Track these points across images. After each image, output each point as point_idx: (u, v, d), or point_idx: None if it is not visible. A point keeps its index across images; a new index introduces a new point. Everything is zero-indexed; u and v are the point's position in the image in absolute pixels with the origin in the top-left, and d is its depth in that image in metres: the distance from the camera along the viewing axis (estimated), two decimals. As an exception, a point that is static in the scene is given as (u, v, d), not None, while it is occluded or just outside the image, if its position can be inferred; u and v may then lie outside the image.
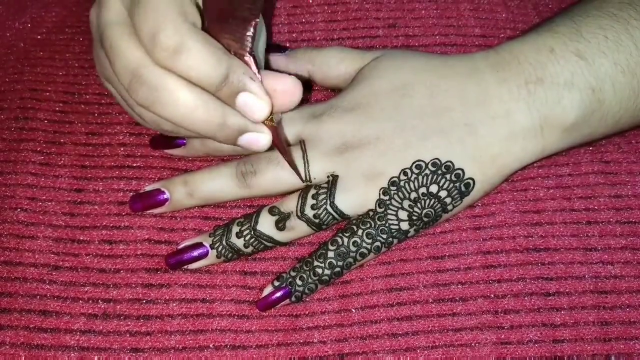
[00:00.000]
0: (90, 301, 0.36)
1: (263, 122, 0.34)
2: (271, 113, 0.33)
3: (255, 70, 0.33)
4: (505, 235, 0.37)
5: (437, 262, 0.37)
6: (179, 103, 0.33)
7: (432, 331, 0.35)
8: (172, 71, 0.32)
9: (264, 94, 0.33)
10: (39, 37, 0.47)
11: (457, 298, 0.36)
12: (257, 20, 0.33)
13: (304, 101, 0.36)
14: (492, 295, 0.36)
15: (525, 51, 0.37)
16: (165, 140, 0.40)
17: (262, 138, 0.34)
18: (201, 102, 0.33)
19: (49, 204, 0.38)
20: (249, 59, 0.33)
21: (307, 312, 0.36)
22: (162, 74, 0.33)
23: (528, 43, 0.38)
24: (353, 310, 0.36)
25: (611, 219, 0.38)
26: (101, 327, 0.35)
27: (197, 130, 0.34)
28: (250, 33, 0.33)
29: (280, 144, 0.35)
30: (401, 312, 0.36)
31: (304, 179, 0.37)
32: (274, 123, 0.34)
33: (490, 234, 0.38)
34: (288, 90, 0.34)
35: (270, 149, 0.35)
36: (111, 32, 0.34)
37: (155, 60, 0.32)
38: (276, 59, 0.41)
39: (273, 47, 0.42)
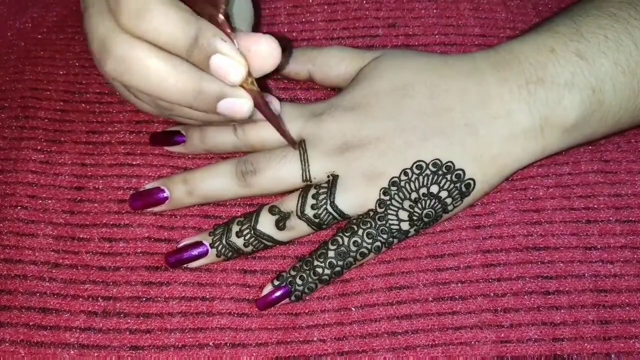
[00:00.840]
0: (90, 299, 0.36)
1: (243, 87, 0.32)
2: (250, 75, 0.32)
3: (228, 32, 0.32)
4: (504, 234, 0.38)
5: (437, 260, 0.37)
6: (149, 72, 0.32)
7: (431, 330, 0.35)
8: (139, 37, 0.31)
9: (238, 55, 0.31)
10: (39, 36, 0.47)
11: (456, 297, 0.36)
12: None
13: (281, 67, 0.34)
14: (492, 294, 0.36)
15: (526, 51, 0.37)
16: (164, 137, 0.40)
17: (242, 103, 0.32)
18: (172, 68, 0.32)
19: (49, 201, 0.38)
20: (222, 20, 0.32)
21: (306, 311, 0.36)
22: (129, 42, 0.31)
23: (528, 43, 0.38)
24: (353, 308, 0.36)
25: (611, 218, 0.38)
26: (101, 325, 0.35)
27: (173, 99, 0.32)
28: None
29: (264, 109, 0.33)
30: (401, 311, 0.36)
31: (294, 145, 0.36)
32: (254, 87, 0.33)
33: (490, 233, 0.38)
34: (263, 50, 0.32)
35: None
36: (87, 13, 0.33)
37: (121, 26, 0.31)
38: None
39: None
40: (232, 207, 0.39)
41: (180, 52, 0.32)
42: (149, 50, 0.32)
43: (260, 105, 0.33)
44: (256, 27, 0.38)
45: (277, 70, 0.33)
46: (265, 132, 0.37)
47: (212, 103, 0.33)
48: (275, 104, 0.36)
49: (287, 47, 0.36)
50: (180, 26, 0.31)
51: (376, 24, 0.44)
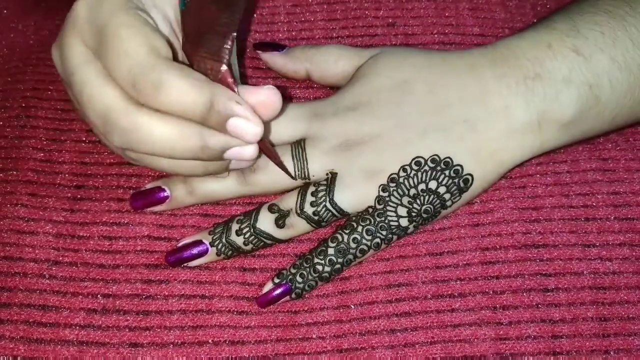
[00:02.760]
0: (90, 296, 0.36)
1: None
2: None
3: (234, 86, 0.33)
4: (503, 232, 0.38)
5: (436, 258, 0.37)
6: (154, 140, 0.32)
7: (430, 327, 0.35)
8: (157, 109, 0.32)
9: (253, 116, 0.32)
10: (41, 38, 0.47)
11: (455, 294, 0.36)
12: (235, 33, 0.32)
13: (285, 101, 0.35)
14: (491, 292, 0.36)
15: (523, 47, 0.37)
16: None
17: (247, 150, 0.33)
18: (178, 131, 0.32)
19: (50, 200, 0.38)
20: (225, 70, 0.32)
21: (306, 308, 0.36)
22: (134, 113, 0.32)
23: (526, 39, 0.38)
24: (352, 306, 0.36)
25: (609, 216, 0.38)
26: (100, 322, 0.35)
27: (179, 157, 0.33)
28: (227, 45, 0.32)
29: (266, 150, 0.34)
30: (400, 308, 0.36)
31: (295, 178, 0.36)
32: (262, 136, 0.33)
33: (488, 231, 0.38)
34: (268, 101, 0.33)
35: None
36: (78, 79, 0.33)
37: (136, 101, 0.32)
38: (274, 58, 0.42)
39: (271, 45, 0.42)
40: (231, 206, 0.39)
41: (196, 117, 0.32)
42: (155, 119, 0.32)
43: (262, 146, 0.34)
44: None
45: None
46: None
47: (218, 155, 0.33)
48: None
49: (285, 93, 0.37)
50: (195, 95, 0.31)
51: (375, 23, 0.45)
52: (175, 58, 0.35)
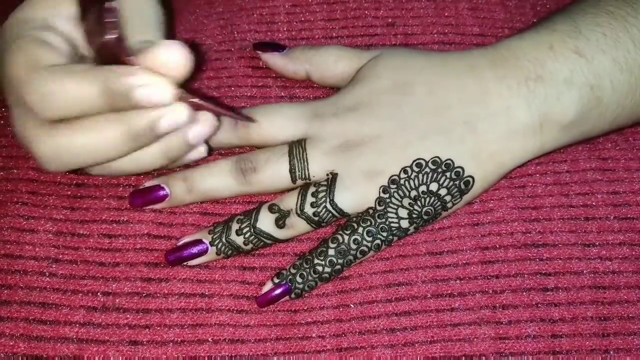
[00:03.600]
0: (90, 294, 0.36)
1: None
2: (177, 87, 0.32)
3: (125, 54, 0.31)
4: (503, 231, 0.38)
5: (436, 257, 0.37)
6: (84, 152, 0.32)
7: (430, 326, 0.35)
8: (57, 119, 0.32)
9: (154, 78, 0.31)
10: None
11: (455, 293, 0.36)
12: (106, 5, 0.31)
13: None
14: (491, 291, 0.36)
15: (524, 48, 0.37)
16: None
17: (177, 114, 0.32)
18: (95, 133, 0.32)
19: (50, 198, 0.38)
20: (112, 41, 0.31)
21: (305, 308, 0.36)
22: (49, 138, 0.32)
23: (527, 40, 0.38)
24: (352, 305, 0.36)
25: (609, 215, 0.38)
26: (100, 320, 0.35)
27: (120, 154, 0.33)
28: (109, 19, 0.31)
29: (207, 107, 0.33)
30: (400, 308, 0.36)
31: (254, 121, 0.36)
32: (184, 92, 0.32)
33: (488, 230, 0.38)
34: (173, 59, 0.31)
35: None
36: (10, 117, 0.35)
37: (40, 118, 0.32)
38: (274, 58, 0.42)
39: (271, 45, 0.42)
40: (231, 205, 0.39)
41: (101, 109, 0.32)
42: (68, 131, 0.32)
43: (195, 104, 0.33)
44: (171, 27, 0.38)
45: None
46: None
47: (153, 135, 0.33)
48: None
49: (195, 46, 0.36)
50: (86, 89, 0.31)
51: (375, 23, 0.45)
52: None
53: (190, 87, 0.38)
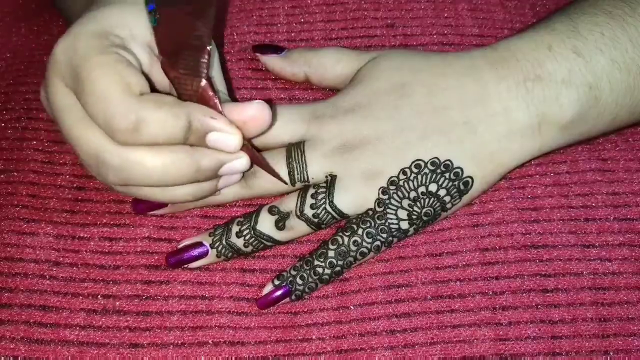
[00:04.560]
0: (90, 297, 0.36)
1: None
2: (245, 140, 0.34)
3: (215, 100, 0.33)
4: (503, 233, 0.38)
5: (436, 259, 0.37)
6: (149, 173, 0.33)
7: (430, 328, 0.35)
8: (138, 144, 0.32)
9: (230, 127, 0.33)
10: (43, 42, 0.48)
11: (455, 295, 0.36)
12: (210, 47, 0.33)
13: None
14: (490, 292, 0.36)
15: (523, 48, 0.37)
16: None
17: (239, 163, 0.34)
18: (170, 160, 0.33)
19: (50, 201, 0.39)
20: (205, 85, 0.33)
21: (305, 310, 0.36)
22: (125, 151, 0.33)
23: (526, 40, 0.38)
24: (351, 307, 0.36)
25: (609, 216, 0.38)
26: (101, 323, 0.35)
27: (177, 183, 0.34)
28: (204, 59, 0.33)
29: (258, 161, 0.35)
30: (399, 309, 0.36)
31: (288, 184, 0.37)
32: (246, 143, 0.34)
33: (488, 231, 0.38)
34: (257, 116, 0.34)
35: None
36: (63, 121, 0.34)
37: (119, 142, 0.32)
38: (272, 61, 0.42)
39: (270, 47, 0.42)
40: (231, 207, 0.39)
41: (178, 141, 0.33)
42: (144, 153, 0.33)
43: (254, 158, 0.35)
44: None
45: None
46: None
47: (213, 175, 0.35)
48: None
49: (273, 105, 0.38)
50: (172, 122, 0.32)
51: (374, 24, 0.45)
52: (152, 85, 0.35)
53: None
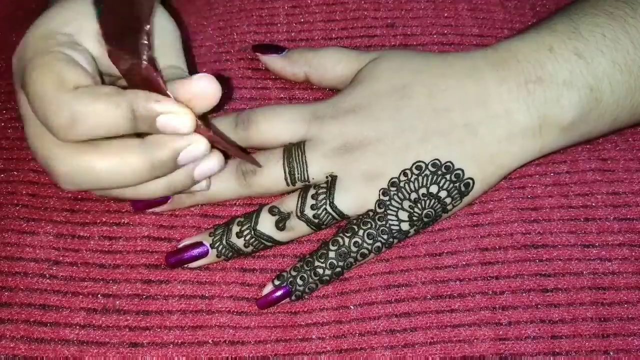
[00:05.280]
0: (90, 296, 0.36)
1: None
2: (198, 118, 0.33)
3: (158, 80, 0.32)
4: (503, 232, 0.38)
5: (436, 259, 0.37)
6: (99, 176, 0.32)
7: (430, 327, 0.35)
8: (83, 140, 0.32)
9: (177, 106, 0.32)
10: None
11: (455, 294, 0.36)
12: (148, 26, 0.32)
13: (225, 98, 0.35)
14: (490, 292, 0.36)
15: (524, 49, 0.37)
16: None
17: (194, 148, 0.33)
18: (118, 160, 0.32)
19: (50, 200, 0.39)
20: (146, 66, 0.31)
21: (305, 309, 0.36)
22: (70, 158, 0.32)
23: (527, 41, 0.38)
24: (351, 307, 0.36)
25: (609, 216, 0.38)
26: (100, 322, 0.35)
27: (136, 182, 0.33)
28: (144, 40, 0.31)
29: (216, 141, 0.34)
30: (399, 309, 0.36)
31: (260, 166, 0.37)
32: (200, 124, 0.33)
33: (488, 231, 0.38)
34: (203, 92, 0.32)
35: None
36: (26, 131, 0.34)
37: (62, 140, 0.32)
38: (273, 61, 0.42)
39: (271, 47, 0.42)
40: (231, 207, 0.39)
41: (125, 131, 0.32)
42: (92, 156, 0.32)
43: (214, 140, 0.34)
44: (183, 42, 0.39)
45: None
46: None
47: (173, 165, 0.33)
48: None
49: (224, 81, 0.37)
50: (112, 113, 0.31)
51: (374, 24, 0.45)
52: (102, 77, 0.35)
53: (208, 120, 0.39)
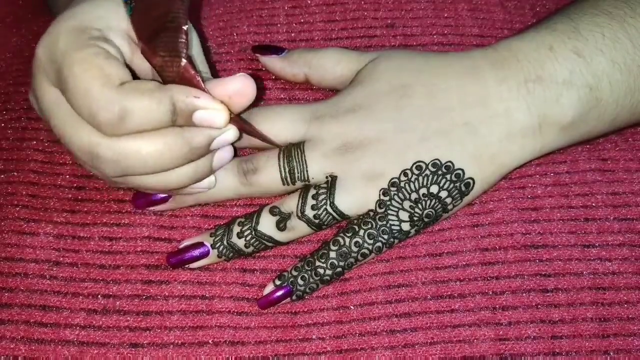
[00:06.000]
0: (90, 297, 0.36)
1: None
2: (231, 113, 0.34)
3: (197, 78, 0.33)
4: (503, 233, 0.38)
5: (436, 259, 0.37)
6: (145, 160, 0.33)
7: (430, 328, 0.35)
8: (126, 135, 0.33)
9: (215, 103, 0.33)
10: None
11: (455, 295, 0.36)
12: (186, 25, 0.33)
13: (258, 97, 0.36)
14: (491, 292, 0.36)
15: (524, 49, 0.37)
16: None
17: (228, 135, 0.34)
18: (163, 144, 0.33)
19: (50, 201, 0.39)
20: (185, 64, 0.33)
21: (305, 309, 0.36)
22: (117, 143, 0.33)
23: (527, 40, 0.38)
24: (352, 307, 0.36)
25: (609, 216, 0.38)
26: (101, 323, 0.35)
27: (173, 165, 0.34)
28: (182, 39, 0.32)
29: (248, 130, 0.36)
30: (400, 309, 0.36)
31: (279, 145, 0.37)
32: (234, 116, 0.34)
33: (488, 232, 0.38)
34: (241, 90, 0.34)
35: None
36: (53, 120, 0.34)
37: (107, 135, 0.32)
38: (272, 62, 0.42)
39: (270, 48, 0.42)
40: (232, 207, 0.39)
41: (165, 124, 0.33)
42: (137, 141, 0.33)
43: (242, 127, 0.35)
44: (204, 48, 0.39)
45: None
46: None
47: (206, 150, 0.35)
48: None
49: (258, 79, 0.38)
50: (156, 108, 0.32)
51: (374, 24, 0.45)
52: (135, 74, 0.35)
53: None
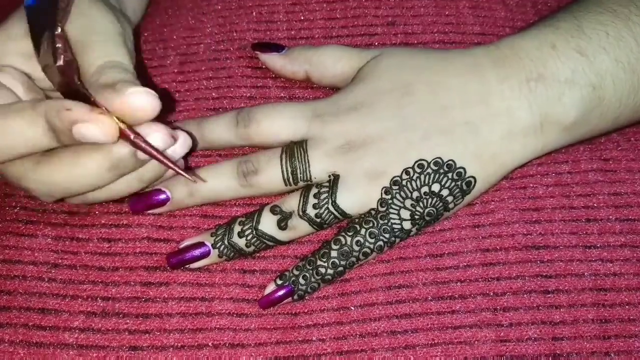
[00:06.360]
0: (89, 299, 0.36)
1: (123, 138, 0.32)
2: (129, 127, 0.31)
3: (75, 80, 0.31)
4: (504, 233, 0.37)
5: (436, 260, 0.37)
6: (67, 185, 0.33)
7: (431, 329, 0.35)
8: (12, 159, 0.32)
9: (96, 115, 0.30)
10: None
11: (456, 296, 0.36)
12: (58, 30, 0.32)
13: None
14: (491, 293, 0.36)
15: (527, 47, 0.37)
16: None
17: (119, 152, 0.32)
18: (76, 166, 0.32)
19: (49, 202, 0.38)
20: (60, 67, 0.31)
21: (306, 310, 0.36)
22: (30, 172, 0.32)
23: (529, 38, 0.37)
24: (352, 308, 0.36)
25: (610, 217, 0.38)
26: (100, 325, 0.35)
27: (104, 183, 0.33)
28: (57, 45, 0.32)
29: (142, 147, 0.32)
30: (400, 310, 0.36)
31: (198, 181, 0.36)
32: (130, 134, 0.32)
33: (489, 232, 0.37)
34: (139, 106, 0.31)
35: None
36: None
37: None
38: (272, 59, 0.41)
39: (270, 46, 0.42)
40: (231, 207, 0.39)
41: (49, 146, 0.31)
42: (47, 166, 0.32)
43: (139, 147, 0.32)
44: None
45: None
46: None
47: (132, 161, 0.33)
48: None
49: (165, 94, 0.36)
50: (31, 130, 0.31)
51: (375, 22, 0.44)
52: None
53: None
